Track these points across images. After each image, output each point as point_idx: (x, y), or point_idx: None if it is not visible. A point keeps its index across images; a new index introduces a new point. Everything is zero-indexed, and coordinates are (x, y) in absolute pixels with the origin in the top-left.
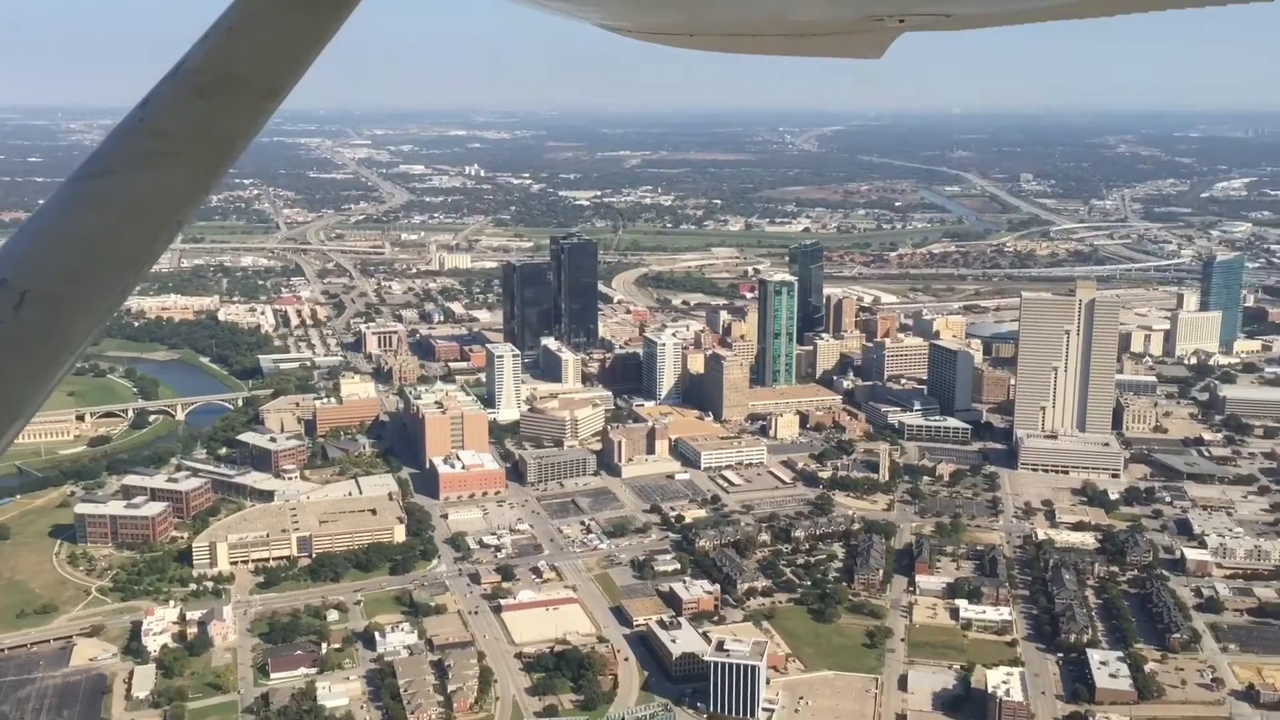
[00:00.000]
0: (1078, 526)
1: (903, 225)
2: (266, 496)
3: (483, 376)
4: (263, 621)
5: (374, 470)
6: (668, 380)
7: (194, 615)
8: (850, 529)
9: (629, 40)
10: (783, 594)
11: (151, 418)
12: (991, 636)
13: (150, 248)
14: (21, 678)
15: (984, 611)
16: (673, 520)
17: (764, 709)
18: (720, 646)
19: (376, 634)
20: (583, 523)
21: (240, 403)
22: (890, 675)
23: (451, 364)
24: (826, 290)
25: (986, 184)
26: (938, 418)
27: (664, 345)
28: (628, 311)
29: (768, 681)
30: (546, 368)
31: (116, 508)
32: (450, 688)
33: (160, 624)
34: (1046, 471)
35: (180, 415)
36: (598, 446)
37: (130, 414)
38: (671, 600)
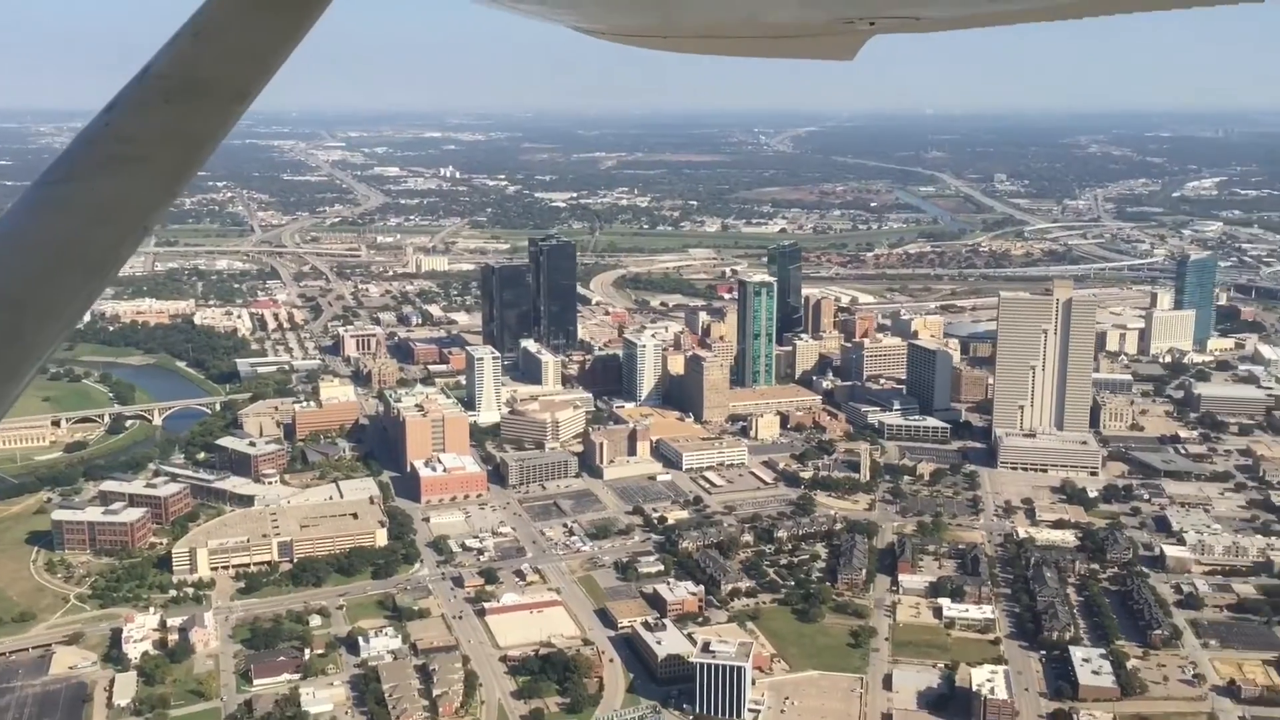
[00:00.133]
0: (1058, 524)
1: (878, 226)
2: (246, 501)
3: (462, 379)
4: (244, 627)
5: (354, 474)
6: (648, 382)
7: (174, 622)
8: (832, 529)
9: (603, 42)
10: (766, 594)
11: (128, 423)
12: (975, 635)
13: (116, 253)
14: (0, 686)
15: (967, 610)
16: (655, 522)
17: (750, 710)
18: (706, 648)
19: (360, 639)
20: (565, 525)
21: (218, 407)
22: (875, 675)
23: (430, 366)
24: (804, 291)
25: (961, 184)
26: (917, 417)
27: (644, 347)
28: (606, 313)
29: (753, 682)
30: (526, 370)
31: (94, 514)
32: (435, 692)
33: (140, 631)
34: (1025, 470)
35: (157, 420)
36: (579, 448)
37: (106, 419)
38: (655, 602)
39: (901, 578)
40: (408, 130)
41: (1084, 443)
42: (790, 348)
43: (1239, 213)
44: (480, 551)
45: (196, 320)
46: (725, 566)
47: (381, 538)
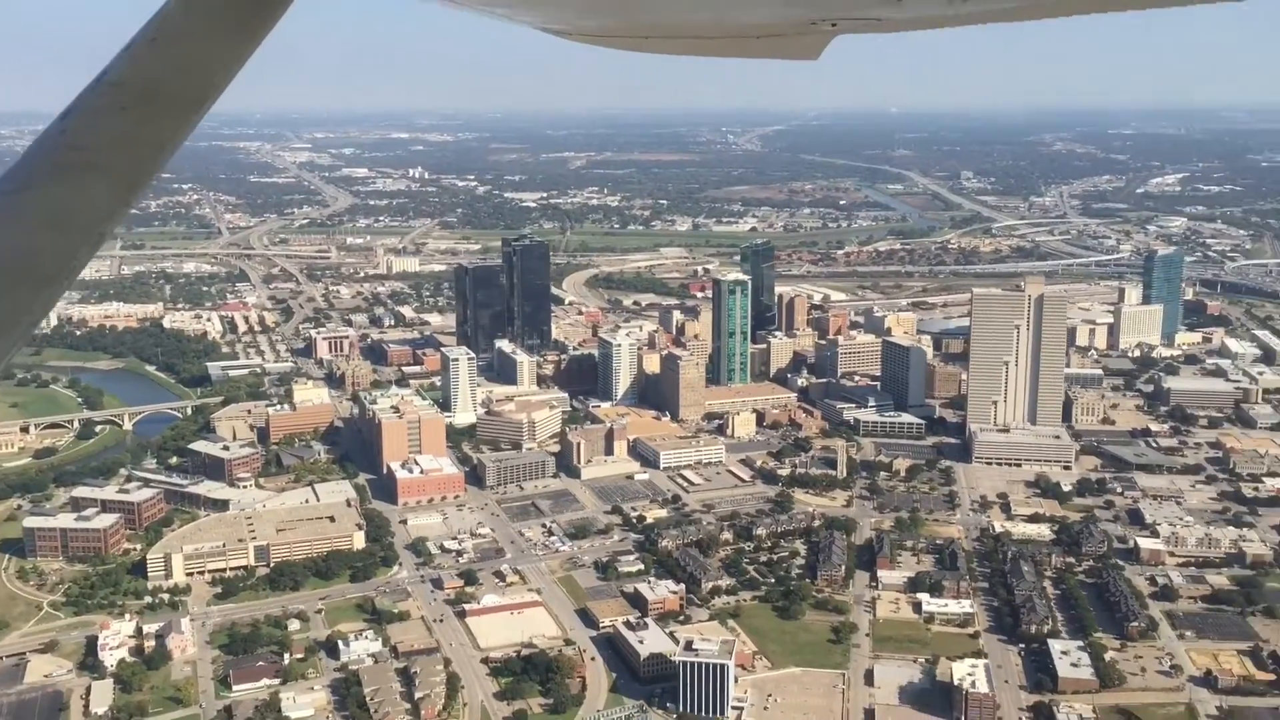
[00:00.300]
0: (1033, 518)
1: (848, 224)
2: (221, 506)
3: (437, 380)
4: (222, 633)
5: (330, 477)
6: (624, 381)
7: (151, 628)
8: (811, 526)
9: (570, 43)
10: (747, 592)
11: (98, 428)
12: (954, 629)
13: (71, 262)
14: None
15: (946, 605)
16: (634, 521)
17: (733, 707)
18: (689, 646)
19: (340, 643)
20: (544, 525)
21: (189, 411)
22: (856, 670)
23: (405, 368)
24: (777, 289)
25: (928, 182)
26: (892, 414)
27: (619, 346)
28: (579, 313)
29: (736, 680)
30: (501, 370)
31: (66, 520)
32: (417, 695)
33: (116, 638)
34: (1000, 465)
35: (128, 425)
36: (556, 448)
37: (76, 424)
38: (637, 601)
39: (880, 573)
40: (374, 131)
41: (1057, 437)
42: (765, 345)
43: (1202, 208)
44: (459, 553)
45: (165, 324)
46: (705, 565)
47: (359, 540)
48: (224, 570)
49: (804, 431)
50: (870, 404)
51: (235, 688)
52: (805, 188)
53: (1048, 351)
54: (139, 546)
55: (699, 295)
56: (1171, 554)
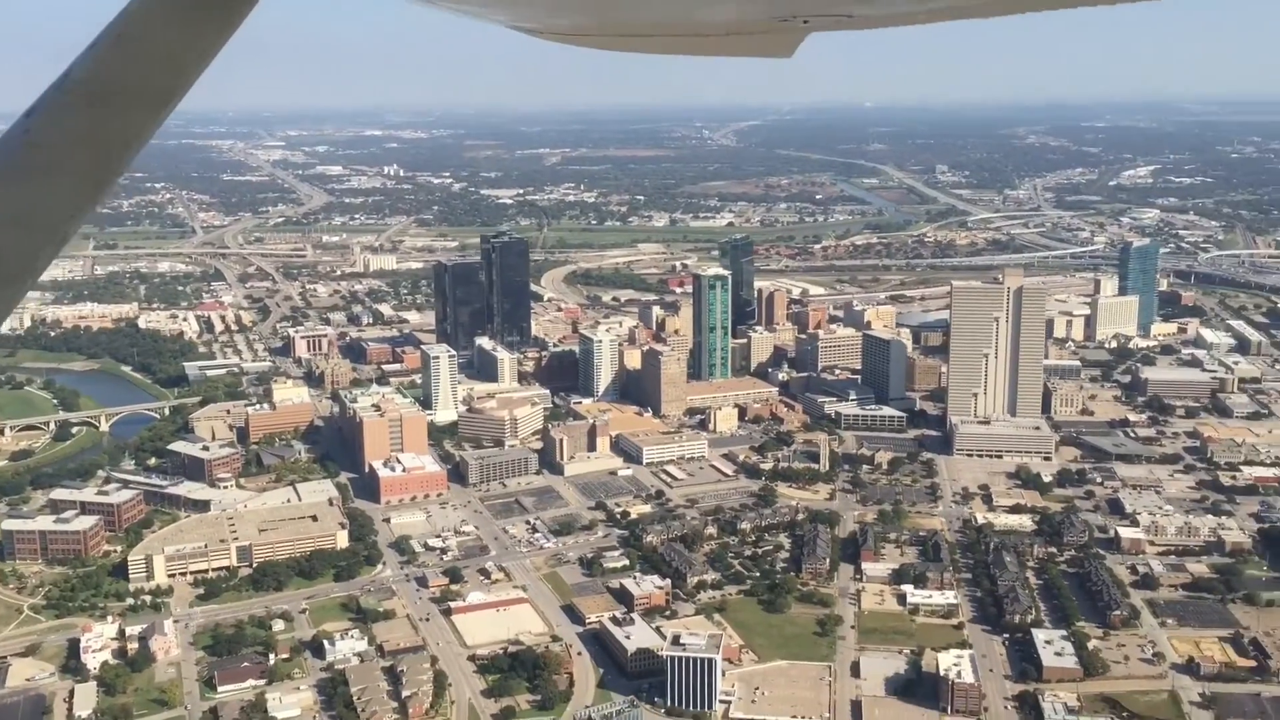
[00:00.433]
0: (1015, 509)
1: (824, 218)
2: (202, 506)
3: (417, 378)
4: (205, 634)
5: (311, 476)
6: (605, 377)
7: (134, 630)
8: (795, 519)
9: (543, 40)
10: (732, 586)
11: (75, 429)
12: (938, 620)
13: (34, 262)
14: None
15: (930, 596)
16: (618, 516)
17: (721, 701)
18: (676, 641)
19: (325, 642)
20: (528, 522)
21: (167, 411)
22: (843, 662)
23: (384, 366)
24: (756, 284)
25: (903, 176)
26: (873, 407)
27: (600, 342)
28: (559, 309)
29: (723, 674)
30: (481, 367)
31: (45, 523)
32: (404, 693)
33: (99, 640)
34: (981, 456)
35: (104, 426)
36: (538, 445)
37: (52, 426)
38: (622, 597)
39: (865, 566)
40: (348, 129)
41: (1037, 428)
42: (745, 340)
43: (1174, 200)
44: (443, 551)
45: (141, 324)
46: (690, 559)
47: (342, 540)
48: (206, 571)
49: (786, 425)
50: (851, 397)
51: (220, 689)
52: (781, 182)
53: (1027, 343)
54: (119, 548)
55: (678, 291)
56: (1152, 543)
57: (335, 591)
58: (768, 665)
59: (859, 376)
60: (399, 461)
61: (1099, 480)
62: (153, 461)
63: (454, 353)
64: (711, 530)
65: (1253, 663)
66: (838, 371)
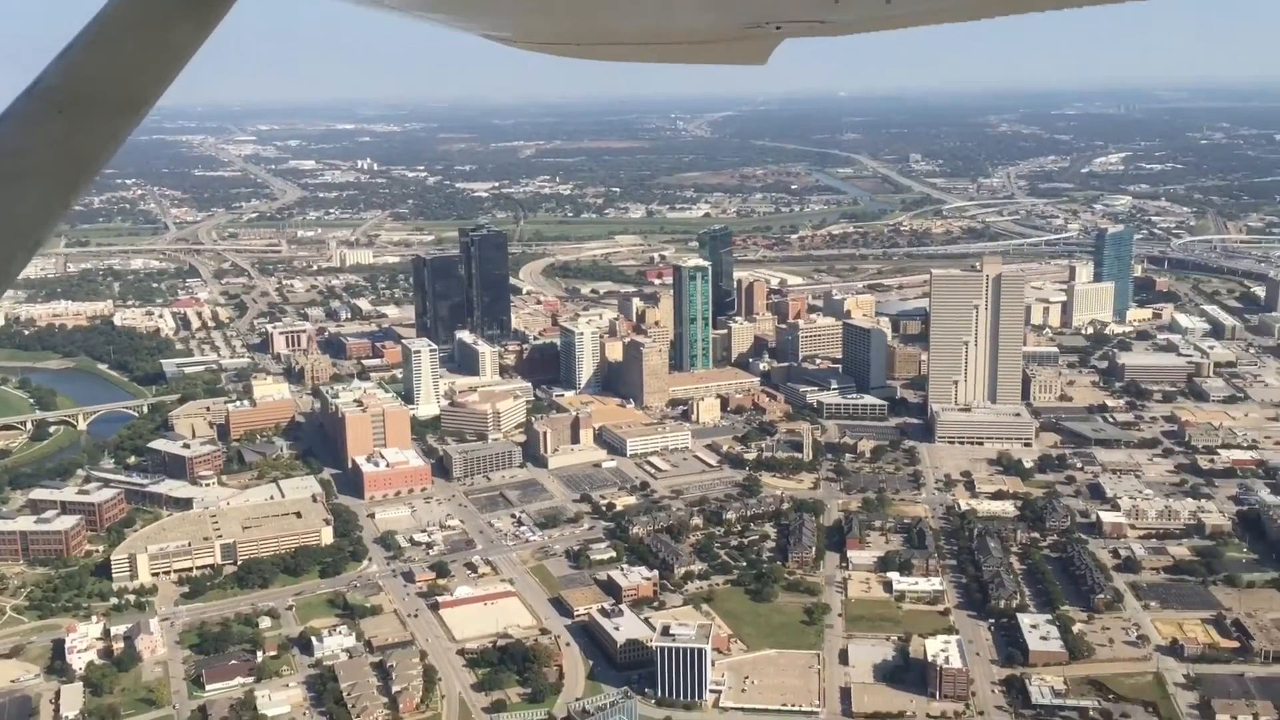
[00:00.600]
0: (997, 495)
1: (800, 208)
2: (184, 504)
3: (397, 373)
4: (192, 632)
5: (294, 472)
6: (587, 369)
7: (118, 630)
8: (780, 509)
9: (517, 49)
10: (719, 576)
11: (52, 429)
12: (925, 607)
13: (7, 268)
14: None
15: (916, 583)
16: (604, 508)
17: (711, 690)
18: (666, 631)
19: (313, 639)
20: (513, 515)
21: (145, 409)
22: (831, 650)
23: (364, 361)
24: (735, 274)
25: (877, 165)
26: (854, 395)
27: (581, 334)
28: (538, 302)
29: (712, 664)
30: (462, 361)
31: (26, 523)
32: (394, 689)
33: (84, 641)
34: (962, 443)
35: (82, 425)
36: (521, 438)
37: (29, 426)
38: (610, 588)
39: (850, 554)
40: (319, 123)
41: (1017, 415)
42: (725, 331)
43: (1146, 186)
44: (429, 545)
45: (116, 321)
46: (677, 550)
47: (327, 536)
48: (190, 569)
49: (768, 415)
50: (833, 386)
51: (209, 687)
52: (756, 173)
53: (1006, 330)
54: (101, 548)
55: (657, 282)
56: (1133, 527)
57: (321, 588)
58: (756, 654)
59: (840, 366)
60: (382, 457)
61: (1079, 465)
62: (132, 460)
63: (435, 347)
64: (697, 521)
65: (1235, 643)
66: (818, 361)
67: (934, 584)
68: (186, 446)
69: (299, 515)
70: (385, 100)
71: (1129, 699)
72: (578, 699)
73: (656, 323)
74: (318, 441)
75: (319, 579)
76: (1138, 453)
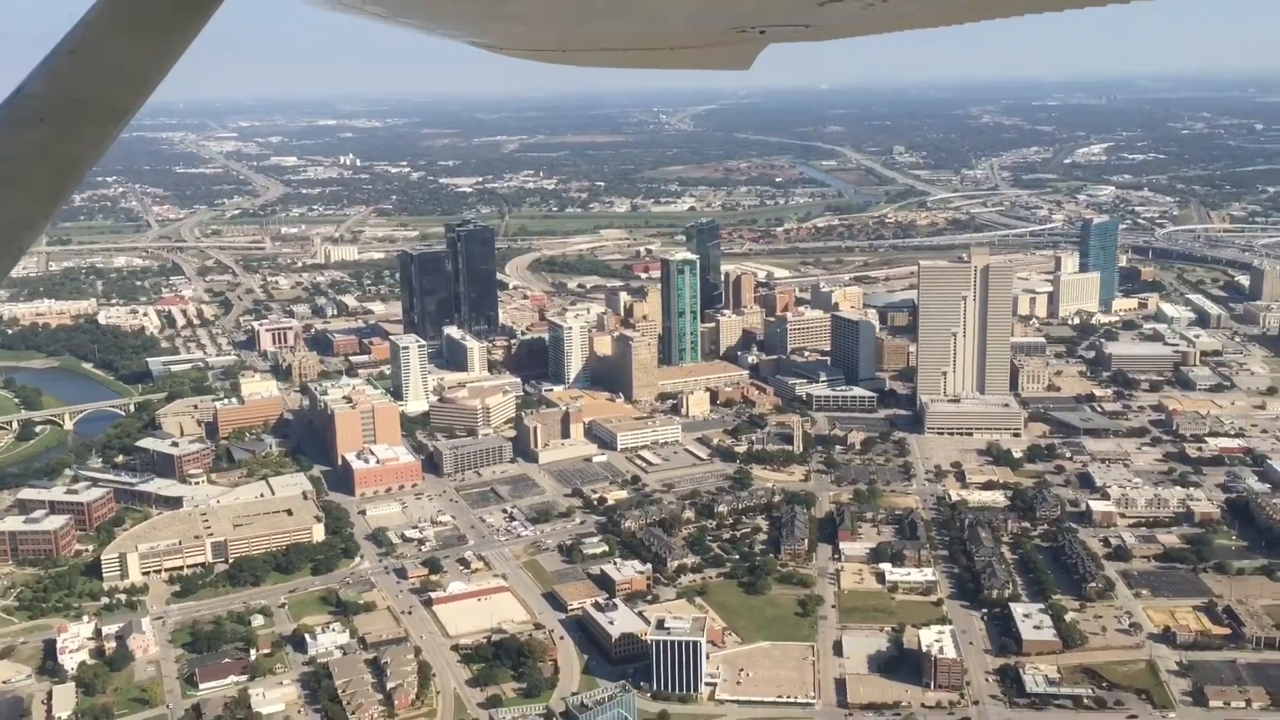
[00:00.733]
0: (987, 486)
1: (785, 201)
2: (174, 503)
3: (385, 369)
4: (184, 631)
5: (284, 470)
6: (575, 364)
7: (110, 629)
8: (771, 501)
9: (503, 55)
10: (712, 569)
11: (38, 428)
12: (917, 597)
13: None
14: None
15: (908, 574)
16: (595, 503)
17: (706, 683)
18: (661, 625)
19: (307, 636)
20: (505, 510)
21: (132, 408)
22: (825, 641)
23: (352, 358)
24: (722, 268)
25: (861, 157)
26: (843, 387)
27: (570, 329)
28: (525, 297)
29: (707, 656)
30: (450, 357)
31: (14, 523)
32: (389, 685)
33: (76, 641)
34: (951, 434)
35: (69, 424)
36: (511, 434)
37: (15, 425)
38: (604, 583)
39: (843, 545)
40: (301, 119)
41: (1006, 405)
42: (713, 324)
43: (1129, 177)
44: (421, 542)
45: (101, 320)
46: (669, 544)
47: (318, 533)
48: (181, 568)
49: (757, 408)
50: (821, 379)
51: (202, 686)
52: (740, 166)
53: (994, 321)
54: (91, 547)
55: (643, 276)
56: (1123, 515)
57: (314, 585)
58: (751, 646)
59: (828, 358)
60: (372, 453)
61: (1068, 455)
62: (120, 459)
63: (423, 343)
64: (689, 514)
65: (1227, 630)
66: (807, 353)
67: (926, 574)
68: (175, 445)
69: (290, 513)
70: (367, 96)
71: (1123, 687)
72: (573, 693)
73: (644, 317)
74: (307, 439)
75: (311, 576)
76: (1126, 442)
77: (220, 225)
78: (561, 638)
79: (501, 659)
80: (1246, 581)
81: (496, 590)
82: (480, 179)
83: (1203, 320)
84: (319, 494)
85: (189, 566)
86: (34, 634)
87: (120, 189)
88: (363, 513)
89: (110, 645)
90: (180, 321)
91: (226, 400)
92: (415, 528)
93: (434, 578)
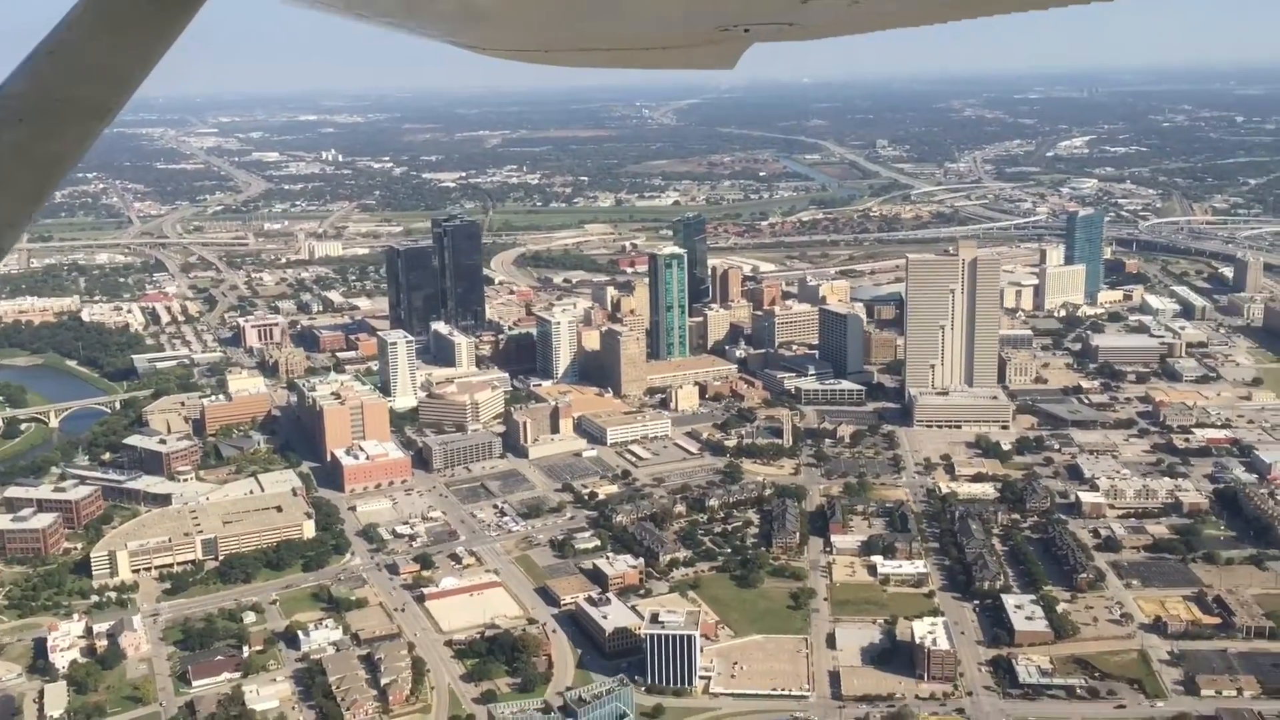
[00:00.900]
0: (977, 478)
1: (769, 195)
2: (163, 500)
3: (372, 365)
4: (176, 629)
5: (272, 466)
6: (564, 359)
7: (101, 628)
8: (762, 495)
9: (486, 56)
10: (704, 563)
11: (23, 426)
12: (909, 589)
13: None
14: None
15: (900, 566)
16: (586, 498)
17: (700, 677)
18: (655, 619)
19: (299, 633)
20: (495, 506)
21: (118, 405)
22: (818, 634)
23: (339, 354)
24: (709, 262)
25: (844, 151)
26: (832, 381)
27: (559, 324)
28: (511, 292)
29: (701, 650)
30: (438, 352)
31: (2, 521)
32: (383, 681)
33: (66, 639)
34: (940, 427)
35: (54, 422)
36: (500, 429)
37: None
38: (596, 577)
39: (834, 538)
40: (281, 114)
41: (994, 398)
42: (701, 318)
43: (1111, 169)
44: (412, 537)
45: (84, 317)
46: (661, 538)
47: (309, 529)
48: (171, 565)
49: (746, 402)
50: (810, 372)
51: (195, 683)
52: (724, 160)
53: (982, 314)
54: (79, 545)
55: (629, 270)
56: (1112, 506)
57: (305, 582)
58: (745, 640)
59: (816, 352)
60: (361, 449)
61: (1057, 447)
62: (107, 456)
63: (411, 338)
64: (680, 508)
65: (1217, 620)
66: (795, 347)
67: (918, 567)
68: (163, 442)
69: (279, 509)
70: (347, 91)
71: (1115, 676)
72: (568, 687)
73: (632, 311)
74: (295, 435)
75: (302, 573)
76: (1114, 433)
77: (202, 221)
78: (555, 632)
79: (495, 654)
80: (1236, 571)
81: (489, 585)
82: (463, 174)
83: (1187, 312)
84: (308, 490)
85: (179, 564)
86: (24, 633)
87: (101, 185)
88: (353, 509)
89: (101, 643)
90: (165, 318)
91: (214, 397)
92: (406, 523)
93: (426, 573)
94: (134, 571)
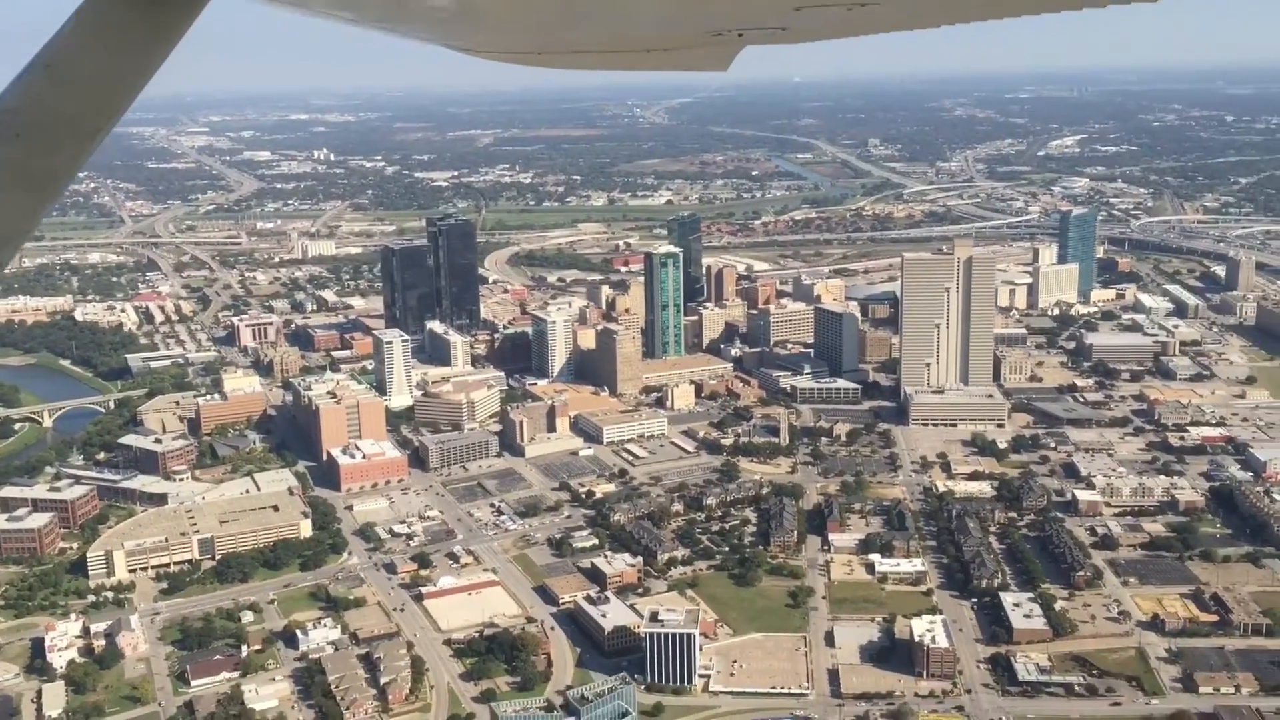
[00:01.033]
0: (973, 476)
1: (762, 194)
2: (159, 500)
3: (367, 364)
4: (174, 628)
5: (268, 466)
6: (559, 357)
7: (98, 627)
8: (759, 493)
9: (479, 58)
10: (702, 562)
11: (17, 426)
12: (907, 587)
13: None
14: None
15: (898, 564)
16: (583, 496)
17: (699, 675)
18: (654, 617)
19: (298, 632)
20: (492, 505)
21: (112, 405)
22: (816, 632)
23: (334, 353)
24: (703, 261)
25: (836, 150)
26: (827, 379)
27: (554, 323)
28: (505, 291)
29: (700, 648)
30: (433, 352)
31: None
32: (383, 680)
33: (64, 639)
34: (936, 425)
35: (48, 421)
36: (497, 428)
37: None
38: (595, 576)
39: (832, 537)
40: (272, 113)
41: (990, 396)
42: (696, 318)
43: (1102, 168)
44: (409, 537)
45: (78, 316)
46: (659, 537)
47: (306, 529)
48: (168, 565)
49: (742, 401)
50: (805, 371)
51: (194, 683)
52: (716, 159)
53: (977, 312)
54: (75, 545)
55: (624, 270)
56: (1108, 504)
57: (303, 581)
58: (743, 638)
59: (811, 350)
60: (358, 448)
61: (1052, 445)
62: (102, 456)
63: (406, 337)
64: (678, 507)
65: (1215, 617)
66: (790, 346)
67: (916, 565)
68: (158, 441)
69: (276, 509)
70: (339, 90)
71: (1113, 674)
72: (568, 686)
73: (627, 310)
74: (291, 434)
75: (300, 572)
76: (1109, 431)
77: (195, 221)
78: (553, 630)
79: (494, 653)
80: (1232, 569)
81: (487, 584)
82: (455, 173)
83: (1180, 311)
84: (305, 490)
85: (176, 563)
86: (20, 633)
87: (92, 184)
88: (350, 508)
89: (99, 643)
90: (158, 317)
91: (209, 396)
92: (403, 523)
93: (423, 572)
94: (130, 571)
